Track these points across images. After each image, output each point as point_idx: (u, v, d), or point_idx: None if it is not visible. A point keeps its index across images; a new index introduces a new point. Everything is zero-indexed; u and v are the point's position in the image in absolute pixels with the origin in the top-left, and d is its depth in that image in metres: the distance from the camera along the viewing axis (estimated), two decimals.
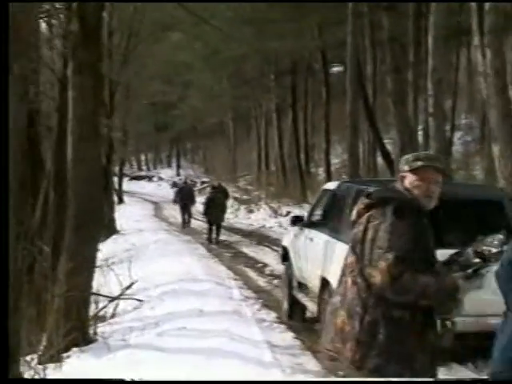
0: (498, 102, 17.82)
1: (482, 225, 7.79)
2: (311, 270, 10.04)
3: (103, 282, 14.07)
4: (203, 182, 52.64)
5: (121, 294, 12.54)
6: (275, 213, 33.39)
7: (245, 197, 42.36)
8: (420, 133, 30.63)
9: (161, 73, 46.21)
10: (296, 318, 11.13)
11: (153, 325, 10.25)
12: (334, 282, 7.62)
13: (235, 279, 15.53)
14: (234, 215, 36.90)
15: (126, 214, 36.61)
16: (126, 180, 64.22)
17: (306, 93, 41.83)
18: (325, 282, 8.94)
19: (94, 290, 13.12)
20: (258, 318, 11.06)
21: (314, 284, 9.59)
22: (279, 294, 13.46)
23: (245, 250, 22.08)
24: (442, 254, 4.56)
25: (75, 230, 9.42)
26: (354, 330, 4.13)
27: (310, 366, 8.37)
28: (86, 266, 9.78)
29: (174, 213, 35.62)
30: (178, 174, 68.10)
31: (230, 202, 40.52)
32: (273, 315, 11.42)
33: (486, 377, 3.45)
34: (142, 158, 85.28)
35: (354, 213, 4.41)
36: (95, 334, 9.91)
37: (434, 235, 4.43)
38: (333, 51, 37.49)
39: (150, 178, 71.60)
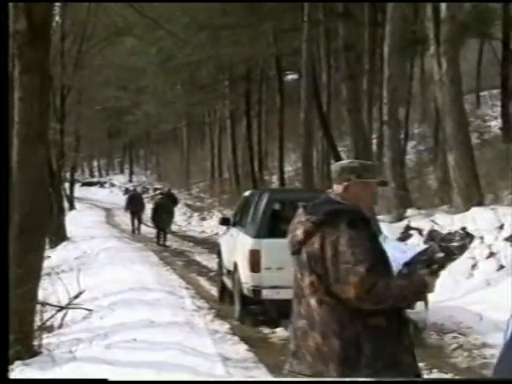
0: (453, 110, 17.75)
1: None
2: (229, 257, 13.08)
3: (51, 290, 13.66)
4: (156, 189, 52.06)
5: (68, 304, 12.10)
6: None
7: (198, 204, 42.00)
8: (374, 141, 30.58)
9: (114, 78, 45.75)
10: (225, 300, 13.51)
11: (102, 336, 9.86)
12: (240, 263, 11.83)
13: (187, 288, 15.20)
14: (187, 222, 36.56)
15: (77, 221, 36.02)
16: (77, 186, 63.46)
17: (260, 100, 41.56)
18: (235, 264, 12.16)
19: (41, 299, 12.72)
20: (210, 328, 10.71)
21: (231, 267, 12.63)
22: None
23: (197, 258, 21.76)
24: None
25: (19, 237, 8.97)
26: (333, 349, 3.96)
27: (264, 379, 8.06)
28: (31, 274, 9.31)
29: (126, 219, 35.14)
30: (131, 181, 67.48)
31: (183, 210, 40.42)
32: (226, 326, 11.08)
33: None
34: (95, 163, 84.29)
35: (301, 232, 4.13)
36: (40, 346, 9.45)
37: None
38: (288, 58, 37.33)
39: (102, 185, 70.79)
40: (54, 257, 23.59)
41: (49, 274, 18.32)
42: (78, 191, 61.36)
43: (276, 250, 10.72)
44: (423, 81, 43.97)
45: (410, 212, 19.41)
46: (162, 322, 10.66)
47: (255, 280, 11.37)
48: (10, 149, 8.94)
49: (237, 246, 12.42)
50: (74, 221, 35.68)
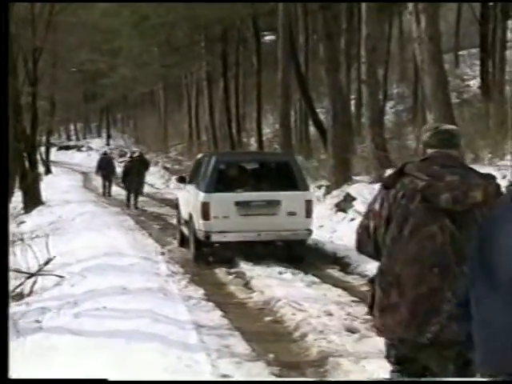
0: (433, 69, 17.35)
1: (279, 176, 14.31)
2: (185, 209, 15.33)
3: (23, 257, 13.30)
4: (133, 152, 51.53)
5: (38, 270, 11.74)
6: None
7: (176, 167, 41.49)
8: (352, 102, 30.25)
9: (89, 40, 44.96)
10: (183, 244, 15.65)
11: (71, 304, 9.48)
12: (194, 213, 14.09)
13: (162, 253, 14.84)
14: (165, 186, 36.12)
15: (53, 185, 35.54)
16: (54, 150, 62.78)
17: (238, 61, 40.99)
18: (190, 215, 14.43)
19: (12, 266, 12.35)
20: (184, 295, 10.37)
21: (187, 217, 14.85)
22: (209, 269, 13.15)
23: (174, 221, 21.35)
24: (258, 195, 13.58)
25: None
26: None
27: (239, 348, 7.73)
28: None
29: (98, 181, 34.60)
30: (108, 144, 66.76)
31: (161, 173, 40.02)
32: (201, 292, 10.74)
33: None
34: (71, 127, 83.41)
35: (480, 194, 4.33)
36: None
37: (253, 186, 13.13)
38: (265, 19, 36.74)
39: (79, 148, 70.03)
40: (28, 222, 23.19)
41: (22, 240, 18.01)
42: (55, 155, 60.80)
43: (222, 202, 13.66)
44: (401, 41, 43.70)
45: (389, 172, 19.10)
46: (134, 288, 10.31)
47: (206, 226, 13.56)
48: None
49: (191, 199, 14.79)
50: (50, 185, 35.18)
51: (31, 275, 11.63)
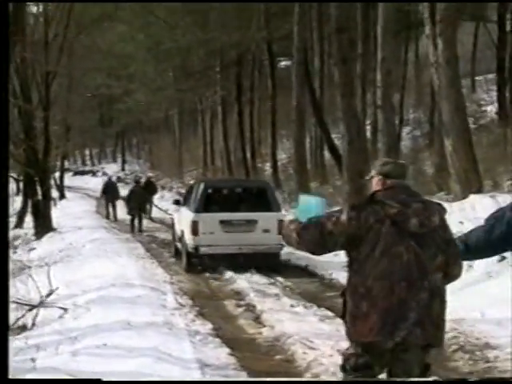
0: (450, 93, 16.94)
1: (257, 199, 16.97)
2: (179, 227, 18.17)
3: (30, 286, 12.87)
4: (140, 178, 51.17)
5: (41, 302, 11.26)
6: None
7: None
8: (368, 127, 29.75)
9: (104, 65, 44.78)
10: (177, 256, 18.48)
11: (71, 340, 9.01)
12: (185, 230, 16.77)
13: (171, 283, 14.31)
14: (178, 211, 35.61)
15: (66, 210, 35.21)
16: (69, 175, 62.57)
17: (252, 86, 40.57)
18: (183, 232, 17.17)
19: (16, 296, 11.90)
20: (191, 329, 9.84)
21: (180, 234, 17.72)
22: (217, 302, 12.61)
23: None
24: (239, 215, 16.59)
25: None
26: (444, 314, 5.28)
27: None
28: None
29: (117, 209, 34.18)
30: (123, 169, 66.58)
31: (175, 198, 39.50)
32: (208, 326, 10.21)
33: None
34: (87, 152, 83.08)
35: (438, 219, 5.18)
36: None
37: (234, 208, 16.72)
38: (280, 44, 36.37)
39: (94, 173, 69.74)
40: (38, 249, 22.79)
41: (29, 268, 17.57)
42: (70, 180, 60.57)
43: (209, 220, 16.41)
44: (418, 65, 43.19)
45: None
46: (139, 322, 9.80)
47: (195, 241, 16.31)
48: None
49: (183, 219, 17.49)
50: (64, 211, 34.86)
51: (33, 307, 11.16)
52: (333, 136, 28.54)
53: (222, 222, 16.34)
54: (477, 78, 39.71)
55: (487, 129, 27.33)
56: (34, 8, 28.78)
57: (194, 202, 16.91)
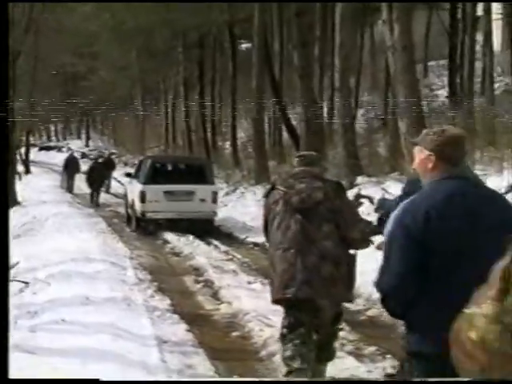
0: (406, 77, 16.80)
1: (196, 175, 19.18)
2: (130, 196, 20.08)
3: None
4: (111, 154, 50.56)
5: None
6: None
7: None
8: (325, 109, 29.54)
9: (69, 44, 44.00)
10: (128, 222, 20.22)
11: (30, 315, 8.69)
12: (135, 199, 19.02)
13: (131, 258, 14.01)
14: None
15: (31, 185, 34.57)
16: (35, 150, 61.59)
17: (214, 67, 40.30)
18: (133, 200, 19.29)
19: None
20: (149, 305, 9.55)
21: (131, 202, 19.66)
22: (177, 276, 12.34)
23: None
24: (180, 187, 18.95)
25: None
26: (343, 273, 6.13)
27: (202, 368, 6.95)
28: None
29: (80, 183, 33.64)
30: (87, 145, 65.79)
31: None
32: (167, 302, 9.94)
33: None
34: (52, 128, 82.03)
35: (321, 194, 6.07)
36: None
37: (176, 180, 19.13)
38: (241, 26, 35.97)
39: (59, 149, 68.54)
40: None
41: None
42: (36, 155, 59.59)
43: (154, 191, 18.67)
44: (373, 51, 43.12)
45: (360, 179, 18.49)
46: (98, 298, 9.50)
47: (143, 208, 18.66)
48: None
49: (134, 189, 19.56)
50: (28, 185, 34.23)
51: None
52: (291, 117, 28.33)
53: (165, 192, 18.67)
54: (429, 63, 39.72)
55: (438, 112, 27.26)
56: None
57: (143, 175, 19.34)
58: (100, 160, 31.78)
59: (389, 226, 3.30)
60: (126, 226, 20.41)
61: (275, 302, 6.28)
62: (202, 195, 18.77)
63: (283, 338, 6.05)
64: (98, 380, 4.78)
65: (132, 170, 30.37)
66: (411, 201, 3.32)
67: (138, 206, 18.73)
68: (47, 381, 5.54)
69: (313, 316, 5.97)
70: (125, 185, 23.56)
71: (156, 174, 19.30)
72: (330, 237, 5.88)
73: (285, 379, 6.17)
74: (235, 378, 6.61)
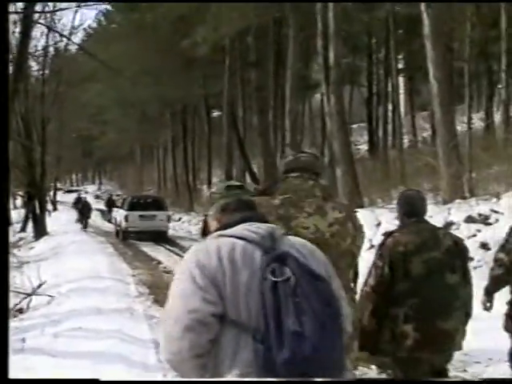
0: (340, 134, 16.55)
1: (157, 204, 23.26)
2: (117, 218, 23.92)
3: (26, 277, 11.81)
4: (118, 195, 49.87)
5: (33, 292, 10.25)
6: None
7: None
8: (278, 159, 29.23)
9: (85, 113, 43.54)
10: (117, 235, 23.31)
11: (54, 323, 8.06)
12: (121, 219, 23.00)
13: (133, 275, 13.37)
14: None
15: (57, 220, 33.64)
16: (61, 193, 60.62)
17: (194, 129, 40.13)
18: (120, 220, 22.98)
19: (19, 284, 10.98)
20: (148, 314, 8.97)
21: (118, 222, 23.34)
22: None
23: (144, 248, 19.88)
24: (148, 213, 22.58)
25: None
26: None
27: None
28: None
29: (94, 218, 32.87)
30: (100, 189, 65.06)
31: None
32: (162, 311, 9.33)
33: None
34: (73, 177, 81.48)
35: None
36: None
37: (146, 208, 22.76)
38: (214, 99, 35.76)
39: (79, 192, 67.81)
40: (36, 247, 21.57)
41: (28, 263, 16.41)
42: (62, 197, 58.49)
43: (133, 215, 22.15)
44: (311, 116, 43.27)
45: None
46: (107, 309, 8.91)
47: (126, 225, 22.31)
48: None
49: (119, 214, 23.44)
50: (56, 219, 33.36)
51: (27, 295, 10.16)
52: (253, 165, 28.00)
53: (140, 215, 22.21)
54: (353, 126, 39.85)
55: (361, 161, 27.09)
56: (34, 71, 27.70)
57: (126, 205, 23.13)
58: (87, 199, 32.33)
59: None
60: (115, 237, 23.43)
61: None
62: (161, 217, 22.59)
63: None
64: (97, 380, 4.20)
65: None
66: None
67: (123, 224, 22.41)
68: (47, 381, 4.94)
69: None
70: (114, 212, 26.92)
71: (134, 205, 22.87)
72: None
73: (284, 379, 5.62)
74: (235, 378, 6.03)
